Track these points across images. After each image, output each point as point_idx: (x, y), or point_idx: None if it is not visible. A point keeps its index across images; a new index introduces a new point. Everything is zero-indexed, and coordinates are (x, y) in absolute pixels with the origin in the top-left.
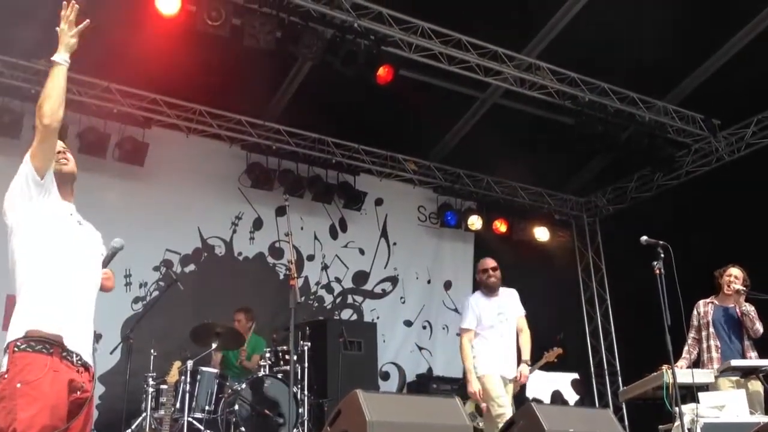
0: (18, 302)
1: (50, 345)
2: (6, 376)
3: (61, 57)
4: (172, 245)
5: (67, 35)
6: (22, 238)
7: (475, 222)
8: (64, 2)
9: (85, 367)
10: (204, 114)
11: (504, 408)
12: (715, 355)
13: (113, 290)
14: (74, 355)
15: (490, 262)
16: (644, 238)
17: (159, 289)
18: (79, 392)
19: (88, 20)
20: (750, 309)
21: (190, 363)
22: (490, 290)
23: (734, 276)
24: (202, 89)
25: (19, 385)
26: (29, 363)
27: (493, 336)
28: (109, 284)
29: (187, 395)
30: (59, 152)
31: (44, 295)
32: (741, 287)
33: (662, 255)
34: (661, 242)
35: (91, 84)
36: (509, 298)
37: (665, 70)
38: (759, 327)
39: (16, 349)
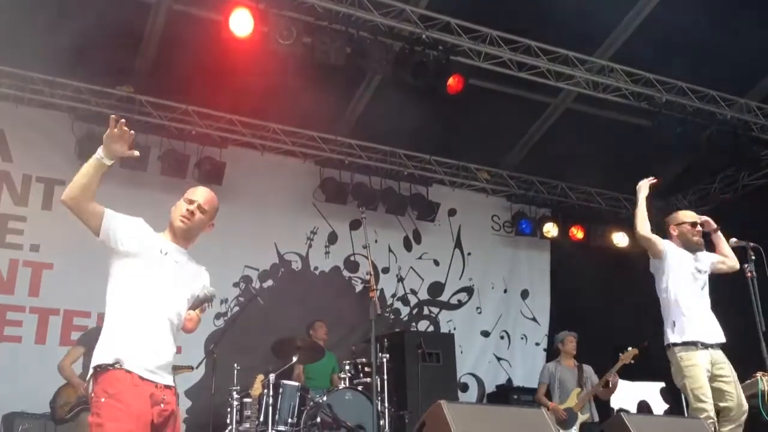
0: (102, 334)
1: (128, 371)
2: (93, 395)
3: (99, 153)
4: (251, 261)
5: (111, 143)
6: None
7: (550, 229)
8: (113, 117)
9: (166, 386)
10: (277, 132)
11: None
12: None
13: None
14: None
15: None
16: (734, 240)
17: (239, 304)
18: (162, 404)
19: (135, 152)
20: None
21: (272, 376)
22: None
23: None
24: (275, 108)
25: (103, 399)
26: (111, 378)
27: None
28: (189, 326)
29: (271, 408)
30: (187, 210)
31: (121, 334)
32: None
33: (753, 257)
34: (752, 244)
35: (171, 107)
36: None
37: (745, 66)
38: None
39: (99, 369)
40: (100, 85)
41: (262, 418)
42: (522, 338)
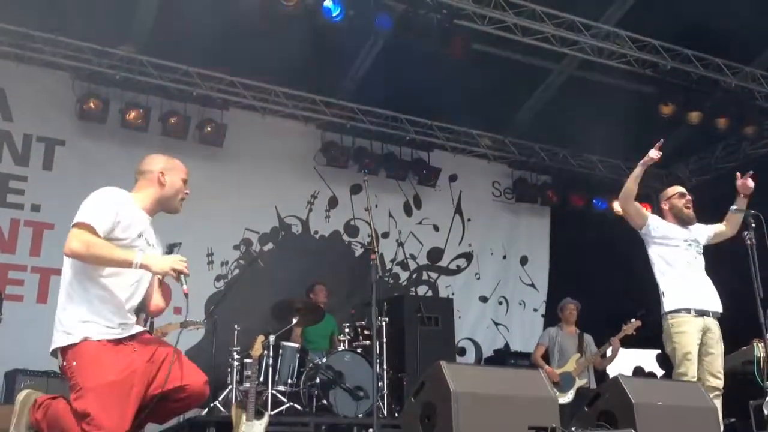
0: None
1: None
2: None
3: (138, 259)
4: (251, 224)
5: (161, 266)
6: None
7: (551, 196)
8: (185, 267)
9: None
10: (279, 94)
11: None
12: None
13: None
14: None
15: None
16: (734, 207)
17: (239, 267)
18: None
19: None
20: None
21: (272, 338)
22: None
23: None
24: (277, 70)
25: (74, 363)
26: (88, 347)
27: None
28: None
29: (271, 369)
30: (186, 193)
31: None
32: None
33: (753, 224)
34: (752, 211)
35: (172, 68)
36: None
37: (750, 34)
38: None
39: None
40: (101, 44)
41: (261, 379)
42: (520, 304)
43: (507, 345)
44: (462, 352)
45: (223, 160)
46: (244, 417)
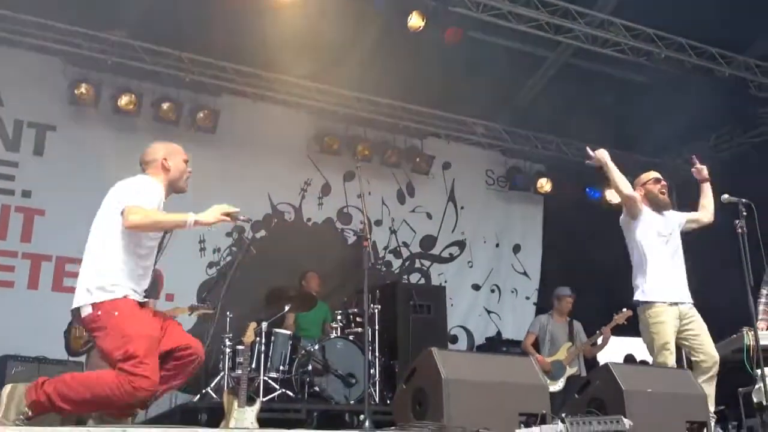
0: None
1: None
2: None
3: (192, 218)
4: (244, 211)
5: (207, 221)
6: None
7: (544, 184)
8: (240, 216)
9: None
10: (272, 81)
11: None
12: None
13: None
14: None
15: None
16: (725, 196)
17: (232, 254)
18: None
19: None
20: None
21: (264, 325)
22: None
23: None
24: (270, 56)
25: (116, 314)
26: (128, 303)
27: None
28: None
29: (263, 356)
30: (189, 171)
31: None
32: None
33: (744, 213)
34: (743, 200)
35: (165, 54)
36: None
37: (744, 24)
38: None
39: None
40: (93, 29)
41: (253, 365)
42: (512, 292)
43: (499, 333)
44: (454, 339)
45: (215, 147)
46: (235, 403)
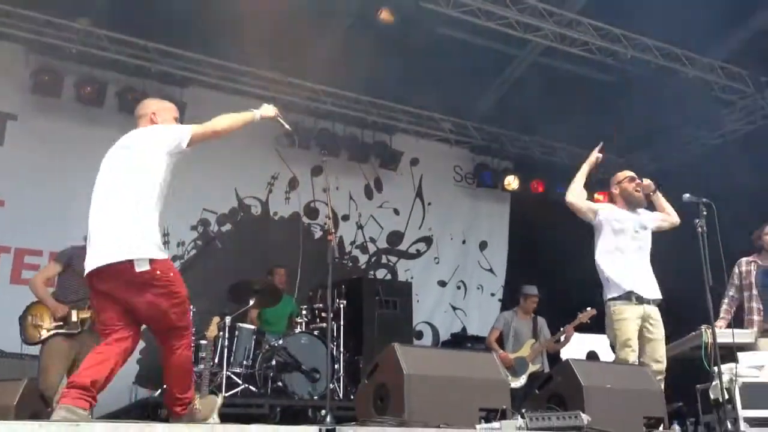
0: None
1: None
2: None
3: (258, 112)
4: (209, 205)
5: (269, 114)
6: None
7: (511, 182)
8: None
9: None
10: (241, 73)
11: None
12: (756, 317)
13: None
14: None
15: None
16: (686, 195)
17: (196, 247)
18: None
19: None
20: None
21: (228, 319)
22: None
23: None
24: (238, 49)
25: (172, 275)
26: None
27: None
28: None
29: (226, 350)
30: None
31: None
32: None
33: (705, 212)
34: (703, 199)
35: (130, 43)
36: None
37: (710, 26)
38: None
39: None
40: (57, 16)
41: (216, 360)
42: (478, 288)
43: (464, 329)
44: (419, 335)
45: None
46: (197, 398)
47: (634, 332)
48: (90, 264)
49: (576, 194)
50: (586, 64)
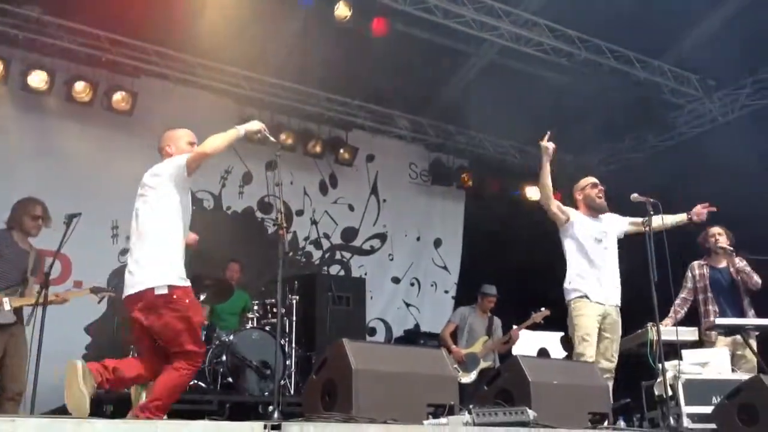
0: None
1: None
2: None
3: (243, 128)
4: None
5: (253, 129)
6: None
7: (466, 180)
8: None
9: None
10: (196, 66)
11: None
12: (712, 320)
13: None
14: None
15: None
16: (634, 195)
17: None
18: None
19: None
20: (742, 264)
21: None
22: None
23: (717, 233)
24: (194, 40)
25: (188, 301)
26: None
27: None
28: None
29: None
30: None
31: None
32: (728, 246)
33: (651, 212)
34: (651, 199)
35: (81, 32)
36: None
37: (661, 30)
38: (757, 279)
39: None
40: (4, 2)
41: None
42: (432, 285)
43: (417, 325)
44: (372, 332)
45: (132, 129)
46: (143, 395)
47: (593, 328)
48: (124, 293)
49: (546, 197)
50: (541, 64)
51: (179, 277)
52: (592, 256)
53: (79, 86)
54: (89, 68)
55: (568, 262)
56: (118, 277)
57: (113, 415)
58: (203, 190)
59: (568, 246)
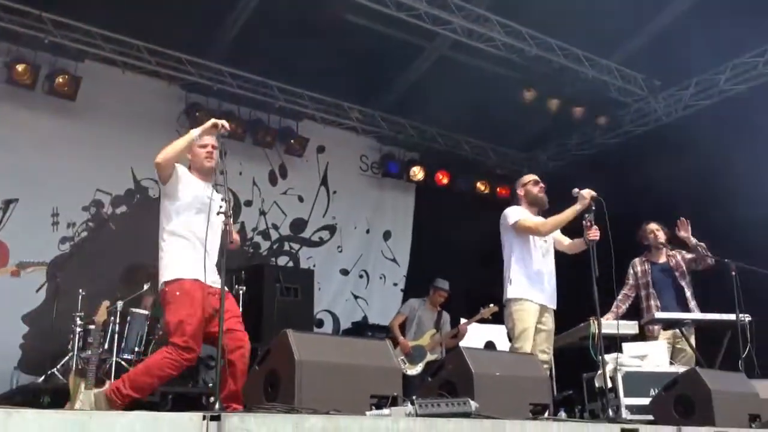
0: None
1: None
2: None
3: (196, 131)
4: (104, 185)
5: (207, 126)
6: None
7: (417, 173)
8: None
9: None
10: (142, 49)
11: None
12: (654, 314)
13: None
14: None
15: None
16: (575, 190)
17: (88, 229)
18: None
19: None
20: (695, 244)
21: (119, 303)
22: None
23: (655, 229)
24: (141, 24)
25: (178, 293)
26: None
27: None
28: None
29: (117, 336)
30: (207, 149)
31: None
32: (665, 243)
33: (594, 207)
34: (593, 194)
35: (22, 12)
36: None
37: (610, 29)
38: (710, 260)
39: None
40: None
41: (106, 346)
42: (381, 278)
43: (365, 318)
44: (320, 324)
45: (75, 115)
46: (83, 385)
47: (531, 323)
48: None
49: (551, 231)
50: (493, 60)
51: (175, 272)
52: (534, 255)
53: (20, 68)
54: (31, 51)
55: (512, 260)
56: (57, 265)
57: (50, 406)
58: (148, 179)
59: (511, 242)
